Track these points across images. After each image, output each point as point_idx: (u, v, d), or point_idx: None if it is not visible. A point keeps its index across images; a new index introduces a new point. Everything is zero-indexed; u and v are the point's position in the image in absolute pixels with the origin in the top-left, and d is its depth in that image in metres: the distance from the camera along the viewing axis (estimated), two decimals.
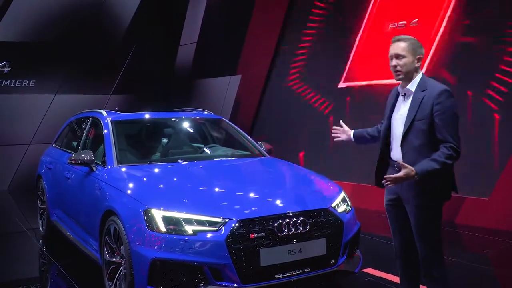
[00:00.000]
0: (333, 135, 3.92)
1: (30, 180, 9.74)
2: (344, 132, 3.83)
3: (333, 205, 3.96)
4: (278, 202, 3.84)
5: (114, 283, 3.99)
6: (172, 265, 3.46)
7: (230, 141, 5.79)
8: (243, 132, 5.73)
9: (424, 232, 3.24)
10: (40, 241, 6.32)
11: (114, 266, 4.02)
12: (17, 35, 10.19)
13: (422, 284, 3.49)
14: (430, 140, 3.14)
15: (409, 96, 3.28)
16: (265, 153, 5.34)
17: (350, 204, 4.21)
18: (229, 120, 6.35)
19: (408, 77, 3.25)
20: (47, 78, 10.73)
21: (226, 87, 11.05)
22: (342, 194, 4.21)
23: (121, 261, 3.90)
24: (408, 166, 3.03)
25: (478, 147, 6.41)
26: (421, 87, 3.23)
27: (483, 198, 6.30)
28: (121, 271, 3.91)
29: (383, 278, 4.64)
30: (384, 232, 6.15)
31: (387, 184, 3.13)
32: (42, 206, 6.46)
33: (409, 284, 3.53)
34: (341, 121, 3.90)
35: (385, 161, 3.43)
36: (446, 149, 3.07)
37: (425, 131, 3.15)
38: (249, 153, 5.34)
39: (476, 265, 5.06)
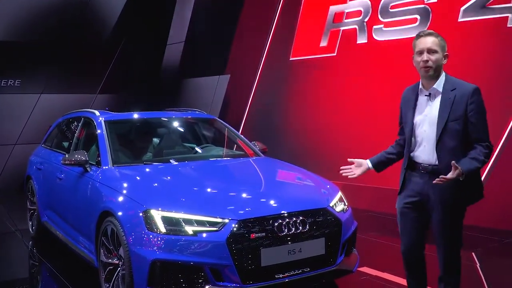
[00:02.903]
0: (343, 174, 3.53)
1: (17, 181, 9.65)
2: (358, 165, 3.49)
3: (331, 204, 3.97)
4: (277, 202, 3.83)
5: (111, 284, 3.95)
6: (173, 266, 3.44)
7: (224, 141, 5.78)
8: (237, 132, 5.73)
9: (448, 233, 3.18)
10: (30, 242, 6.25)
11: (111, 267, 3.99)
12: (1, 34, 10.04)
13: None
14: (464, 141, 3.06)
15: (435, 96, 3.15)
16: (260, 153, 5.34)
17: (347, 204, 4.23)
18: None
19: (435, 74, 3.12)
20: (33, 77, 10.59)
21: (214, 87, 11.02)
22: (339, 194, 4.23)
23: (119, 262, 3.87)
24: (458, 166, 2.91)
25: None
26: (449, 86, 3.10)
27: None
28: (118, 272, 3.88)
29: (379, 276, 4.67)
30: (376, 231, 6.20)
31: (438, 183, 2.97)
32: (32, 207, 6.38)
33: None
34: (349, 159, 3.53)
35: (410, 166, 3.28)
36: (483, 148, 3.01)
37: (460, 132, 3.05)
38: (244, 153, 5.33)
39: (467, 262, 5.11)
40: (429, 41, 3.08)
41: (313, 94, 9.00)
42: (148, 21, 12.26)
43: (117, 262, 3.91)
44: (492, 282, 4.69)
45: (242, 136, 5.67)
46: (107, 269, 4.03)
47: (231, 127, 5.75)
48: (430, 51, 3.08)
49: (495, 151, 6.25)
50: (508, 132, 6.18)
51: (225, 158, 5.18)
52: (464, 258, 5.12)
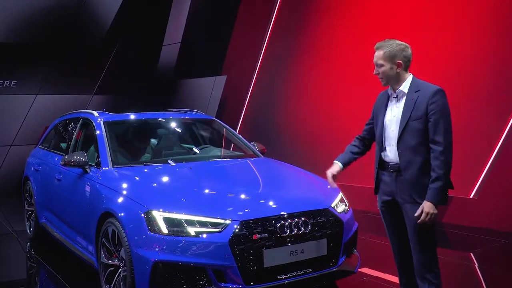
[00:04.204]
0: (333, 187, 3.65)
1: (13, 182, 9.61)
2: (333, 177, 3.56)
3: (332, 205, 3.97)
4: (279, 202, 3.82)
5: (112, 286, 3.93)
6: (175, 267, 3.43)
7: (223, 142, 5.77)
8: (236, 133, 5.72)
9: (420, 235, 3.21)
10: (28, 243, 6.21)
11: (112, 269, 3.97)
12: None
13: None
14: (426, 139, 3.17)
15: (401, 97, 3.31)
16: (259, 153, 5.33)
17: (347, 204, 4.23)
18: None
19: (392, 82, 3.30)
20: (28, 78, 10.54)
21: (211, 88, 11.01)
22: (340, 194, 4.22)
23: (120, 263, 3.86)
24: (424, 203, 3.07)
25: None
26: (414, 88, 3.25)
27: (472, 198, 6.38)
28: (119, 273, 3.86)
29: (379, 277, 4.67)
30: (374, 232, 6.21)
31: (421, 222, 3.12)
32: (29, 208, 6.35)
33: None
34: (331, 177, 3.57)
35: (381, 165, 3.41)
36: (436, 160, 3.08)
37: (421, 130, 3.16)
38: (243, 153, 5.32)
39: (466, 263, 5.13)
40: (376, 56, 3.32)
41: (311, 94, 9.00)
42: (144, 21, 12.21)
43: (118, 263, 3.89)
44: (491, 283, 4.70)
45: (241, 136, 5.66)
46: (108, 271, 4.01)
47: (230, 128, 5.74)
48: (377, 65, 3.30)
49: (494, 153, 6.27)
50: (506, 134, 6.19)
51: (224, 159, 5.17)
52: (463, 259, 5.20)
